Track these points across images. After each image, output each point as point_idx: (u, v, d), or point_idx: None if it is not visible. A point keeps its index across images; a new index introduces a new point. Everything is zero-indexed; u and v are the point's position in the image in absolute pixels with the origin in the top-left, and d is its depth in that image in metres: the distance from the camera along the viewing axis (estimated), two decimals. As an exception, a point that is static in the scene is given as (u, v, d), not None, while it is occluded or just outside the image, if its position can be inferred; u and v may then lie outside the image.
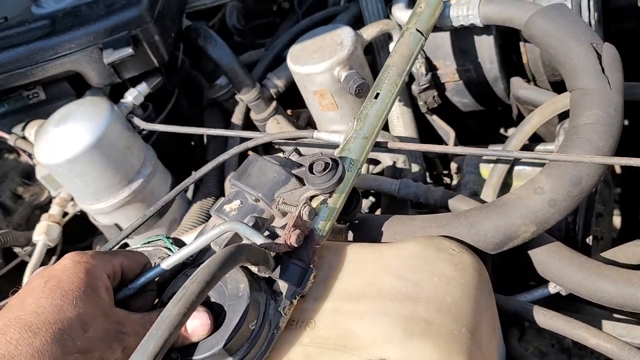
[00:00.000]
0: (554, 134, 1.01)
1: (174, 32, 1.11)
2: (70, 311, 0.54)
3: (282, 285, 0.63)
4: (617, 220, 1.79)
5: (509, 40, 1.04)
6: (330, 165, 0.69)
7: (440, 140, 1.23)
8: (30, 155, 1.15)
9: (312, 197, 0.71)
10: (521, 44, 1.03)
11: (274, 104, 1.20)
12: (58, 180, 1.07)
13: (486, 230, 0.72)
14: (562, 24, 0.80)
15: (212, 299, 0.61)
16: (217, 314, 0.59)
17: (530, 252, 0.77)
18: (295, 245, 0.64)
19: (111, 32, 0.98)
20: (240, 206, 0.72)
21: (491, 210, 0.73)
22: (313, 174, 0.69)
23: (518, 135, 0.94)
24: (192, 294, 0.51)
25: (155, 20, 1.01)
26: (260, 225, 0.70)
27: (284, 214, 0.71)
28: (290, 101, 1.25)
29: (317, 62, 1.00)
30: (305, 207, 0.66)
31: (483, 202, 0.92)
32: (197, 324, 0.58)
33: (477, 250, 0.73)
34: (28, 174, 1.21)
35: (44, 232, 1.07)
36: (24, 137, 1.11)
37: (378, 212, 1.15)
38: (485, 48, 1.02)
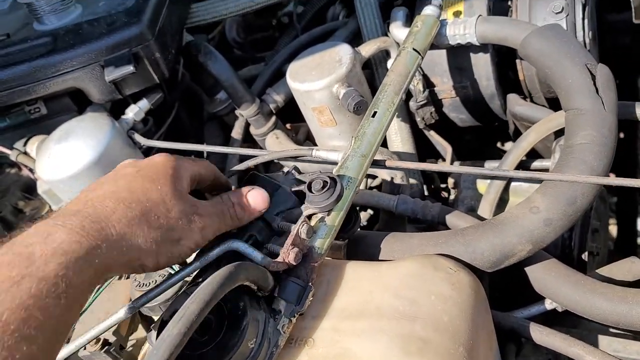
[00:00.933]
0: (550, 149, 1.02)
1: (175, 49, 1.12)
2: (156, 195, 0.62)
3: (281, 304, 0.64)
4: (613, 230, 1.80)
5: (505, 57, 1.06)
6: (329, 184, 0.70)
7: (437, 155, 1.24)
8: (31, 170, 1.16)
9: (310, 215, 0.72)
10: (517, 61, 1.04)
11: (274, 118, 1.21)
12: (59, 196, 1.08)
13: (483, 249, 0.73)
14: (557, 44, 0.82)
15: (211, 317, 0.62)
16: (216, 333, 0.60)
17: (527, 269, 0.78)
18: (294, 264, 0.65)
19: (112, 50, 1.00)
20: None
21: (488, 229, 0.74)
22: (312, 192, 0.70)
23: (515, 152, 0.95)
24: (192, 313, 0.52)
25: (156, 37, 1.02)
26: (259, 243, 0.71)
27: (283, 232, 0.72)
28: (290, 115, 1.26)
29: (316, 79, 1.01)
30: (303, 225, 0.67)
31: (480, 217, 0.93)
32: (257, 199, 0.69)
33: (474, 268, 0.74)
34: (29, 188, 1.22)
35: (45, 247, 1.07)
36: (25, 153, 1.12)
37: (376, 227, 1.16)
38: (482, 65, 1.03)
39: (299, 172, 0.80)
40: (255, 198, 0.69)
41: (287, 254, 0.65)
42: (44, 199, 1.19)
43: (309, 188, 0.70)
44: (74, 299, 0.51)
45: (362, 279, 0.70)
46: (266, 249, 0.69)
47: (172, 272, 0.74)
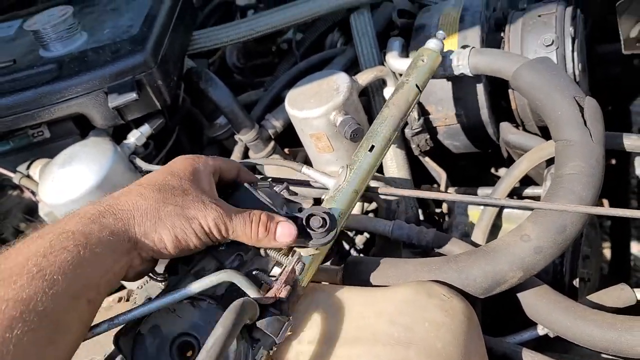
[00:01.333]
0: (542, 175, 1.05)
1: (176, 75, 1.15)
2: (175, 182, 0.66)
3: (262, 335, 0.64)
4: (607, 253, 1.82)
5: (498, 86, 1.09)
6: (329, 223, 0.70)
7: (432, 180, 1.27)
8: (33, 193, 1.17)
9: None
10: (510, 91, 1.07)
11: (272, 143, 1.24)
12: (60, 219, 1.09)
13: (475, 276, 0.75)
14: (547, 77, 0.85)
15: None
16: None
17: (519, 295, 0.80)
18: (284, 300, 0.66)
19: (116, 77, 1.02)
20: (228, 242, 0.70)
21: (480, 256, 0.76)
22: (311, 229, 0.70)
23: (507, 180, 0.98)
24: None
25: (158, 65, 1.05)
26: (243, 262, 0.71)
27: (271, 258, 0.72)
28: (288, 140, 1.29)
29: (314, 107, 1.04)
30: (299, 263, 0.68)
31: (474, 243, 0.95)
32: (284, 232, 0.68)
33: (466, 294, 0.76)
34: (30, 211, 1.24)
35: (46, 269, 1.09)
36: (28, 176, 1.14)
37: (373, 250, 1.18)
38: (476, 95, 1.06)
39: (290, 192, 0.80)
40: (283, 231, 0.68)
41: (280, 292, 0.66)
42: (45, 221, 1.21)
43: (307, 224, 0.70)
44: (93, 254, 0.57)
45: (358, 305, 0.72)
46: (254, 276, 0.69)
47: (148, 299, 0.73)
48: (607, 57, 1.29)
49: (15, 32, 1.29)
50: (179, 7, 1.22)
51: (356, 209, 1.22)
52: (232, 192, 0.75)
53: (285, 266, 0.68)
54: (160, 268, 0.72)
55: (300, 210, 0.74)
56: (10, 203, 1.22)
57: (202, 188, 0.68)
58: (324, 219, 0.70)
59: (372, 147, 0.82)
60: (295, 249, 0.72)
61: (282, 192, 0.79)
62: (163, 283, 0.73)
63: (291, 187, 0.84)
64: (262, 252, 0.72)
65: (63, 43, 1.11)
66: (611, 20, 1.40)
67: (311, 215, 0.70)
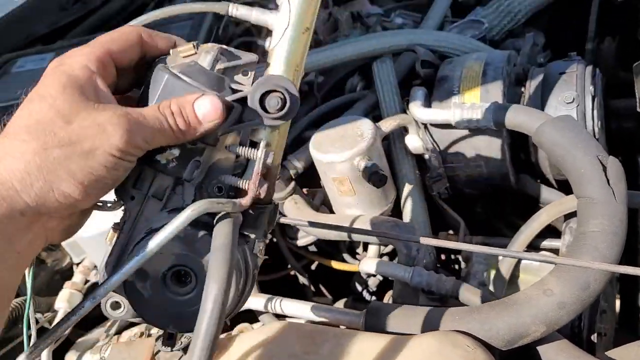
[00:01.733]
0: (560, 225, 1.06)
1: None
2: (47, 111, 0.50)
3: (252, 230, 0.61)
4: (616, 304, 1.82)
5: (517, 139, 1.11)
6: (289, 104, 0.57)
7: (447, 225, 1.28)
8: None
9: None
10: (530, 143, 1.10)
11: (293, 184, 1.26)
12: (85, 250, 1.11)
13: (498, 328, 0.76)
14: (569, 135, 0.87)
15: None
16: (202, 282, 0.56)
17: (539, 348, 0.81)
18: (263, 196, 0.59)
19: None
20: (177, 156, 0.58)
21: (503, 308, 0.78)
22: (265, 110, 0.57)
23: (526, 232, 1.00)
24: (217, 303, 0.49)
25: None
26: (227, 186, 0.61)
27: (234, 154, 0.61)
28: (305, 180, 1.30)
29: (339, 151, 1.07)
30: (269, 154, 0.59)
31: (492, 293, 0.96)
32: (208, 111, 0.54)
33: (488, 345, 0.77)
34: (51, 239, 1.25)
35: (67, 300, 1.10)
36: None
37: (389, 294, 1.19)
38: (496, 146, 1.09)
39: (228, 57, 0.62)
40: (205, 111, 0.54)
41: (257, 192, 0.58)
42: (65, 250, 1.22)
43: (262, 105, 0.57)
44: None
45: (381, 353, 0.73)
46: (226, 186, 0.60)
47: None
48: (621, 112, 1.32)
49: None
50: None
51: (372, 252, 1.24)
52: (142, 79, 0.59)
53: (255, 162, 0.59)
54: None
55: (246, 73, 0.61)
56: (32, 231, 1.24)
57: (88, 100, 0.51)
58: (282, 98, 0.57)
59: None
60: (256, 141, 0.61)
61: (215, 62, 0.60)
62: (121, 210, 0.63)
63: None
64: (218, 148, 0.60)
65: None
66: (623, 76, 1.45)
67: (267, 93, 0.57)
